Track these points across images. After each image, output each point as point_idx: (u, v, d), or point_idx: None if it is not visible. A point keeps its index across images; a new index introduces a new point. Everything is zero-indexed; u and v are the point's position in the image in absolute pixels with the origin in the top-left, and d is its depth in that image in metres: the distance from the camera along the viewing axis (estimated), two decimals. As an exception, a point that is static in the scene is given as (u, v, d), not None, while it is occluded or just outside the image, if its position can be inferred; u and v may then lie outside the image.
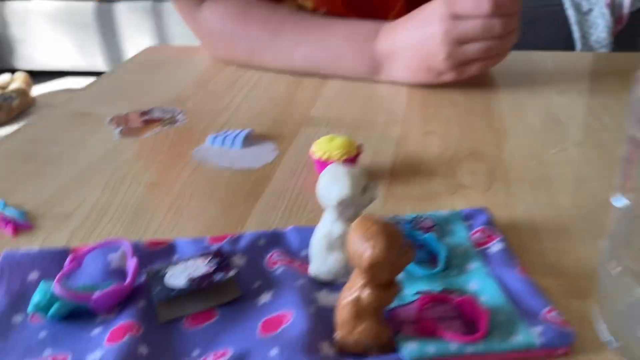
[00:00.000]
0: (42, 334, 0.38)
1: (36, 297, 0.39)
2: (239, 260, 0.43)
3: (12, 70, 2.84)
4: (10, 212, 0.51)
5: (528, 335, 0.34)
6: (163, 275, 0.41)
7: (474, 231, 0.44)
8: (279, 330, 0.37)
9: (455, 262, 0.41)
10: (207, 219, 0.50)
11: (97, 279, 0.42)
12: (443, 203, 0.51)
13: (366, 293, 0.34)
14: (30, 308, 0.39)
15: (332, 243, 0.41)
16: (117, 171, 0.58)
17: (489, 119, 0.68)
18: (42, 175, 0.58)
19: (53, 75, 2.97)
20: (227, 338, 0.37)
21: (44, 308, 0.38)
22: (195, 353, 0.36)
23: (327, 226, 0.41)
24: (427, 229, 0.44)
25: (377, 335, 0.34)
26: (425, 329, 0.36)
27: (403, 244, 0.33)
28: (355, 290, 0.34)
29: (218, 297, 0.40)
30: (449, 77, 0.72)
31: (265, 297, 0.40)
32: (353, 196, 0.39)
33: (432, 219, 0.45)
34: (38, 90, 2.85)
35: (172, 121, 0.69)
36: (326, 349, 0.35)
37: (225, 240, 0.45)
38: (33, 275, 0.42)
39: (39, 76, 2.83)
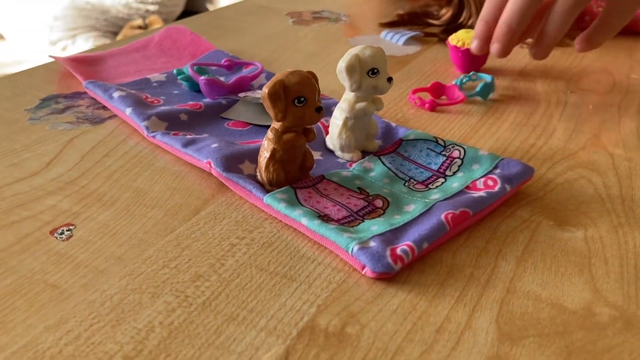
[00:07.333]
0: (177, 90, 0.54)
1: (184, 69, 0.55)
2: None
3: None
4: (196, 55, 0.64)
5: (348, 244, 0.32)
6: (252, 90, 0.51)
7: (485, 177, 0.38)
8: (248, 144, 0.43)
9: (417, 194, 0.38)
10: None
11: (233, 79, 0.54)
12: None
13: (268, 131, 0.37)
14: (175, 70, 0.55)
15: (336, 113, 0.43)
16: (283, 45, 0.69)
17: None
18: (223, 39, 0.70)
19: None
20: (222, 136, 0.45)
21: (179, 74, 0.54)
22: (203, 134, 0.45)
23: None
24: (448, 158, 0.40)
25: (267, 169, 0.37)
26: (310, 194, 0.37)
27: (301, 97, 0.35)
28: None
29: (262, 120, 0.48)
30: None
31: None
32: (348, 70, 0.40)
33: (464, 151, 0.40)
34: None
35: (337, 20, 0.78)
36: (249, 169, 0.40)
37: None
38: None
39: None
